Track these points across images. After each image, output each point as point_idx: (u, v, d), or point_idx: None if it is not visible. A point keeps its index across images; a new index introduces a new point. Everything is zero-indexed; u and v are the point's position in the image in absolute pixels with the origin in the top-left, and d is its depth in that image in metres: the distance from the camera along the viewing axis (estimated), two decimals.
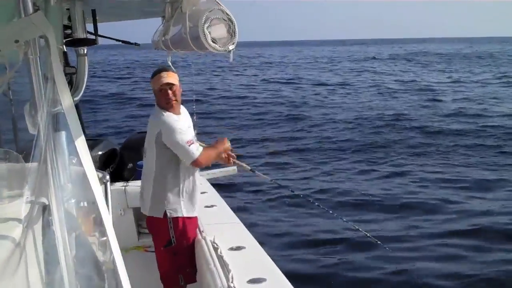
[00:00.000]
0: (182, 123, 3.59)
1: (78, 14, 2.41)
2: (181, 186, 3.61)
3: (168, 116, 3.57)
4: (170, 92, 3.58)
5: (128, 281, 1.64)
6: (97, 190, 1.73)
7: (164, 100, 3.60)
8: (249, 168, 4.34)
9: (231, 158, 3.94)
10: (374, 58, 66.52)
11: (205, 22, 2.04)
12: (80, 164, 1.83)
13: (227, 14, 2.07)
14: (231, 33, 2.09)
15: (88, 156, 1.72)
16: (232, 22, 2.08)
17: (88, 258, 2.00)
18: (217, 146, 3.81)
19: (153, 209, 3.61)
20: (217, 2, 2.10)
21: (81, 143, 1.70)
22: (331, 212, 5.55)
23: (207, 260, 3.11)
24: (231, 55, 2.15)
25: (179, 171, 3.61)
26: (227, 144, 3.88)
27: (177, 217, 3.58)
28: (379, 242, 5.41)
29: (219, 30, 2.08)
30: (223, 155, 3.89)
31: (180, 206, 3.59)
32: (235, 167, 6.08)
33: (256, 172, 4.48)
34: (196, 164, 3.57)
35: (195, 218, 3.74)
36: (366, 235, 4.75)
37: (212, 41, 2.07)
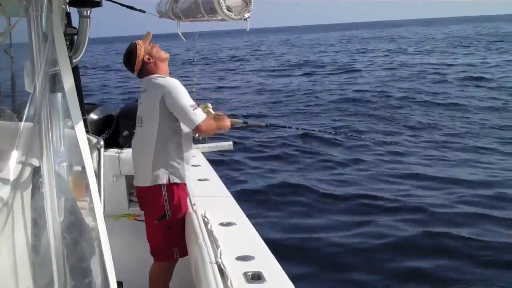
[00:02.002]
0: (183, 87, 3.57)
1: None
2: (182, 153, 3.58)
3: (171, 79, 3.55)
4: None
5: (109, 249, 1.62)
6: (87, 154, 1.70)
7: (167, 68, 3.67)
8: (242, 121, 4.43)
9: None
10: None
11: None
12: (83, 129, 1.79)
13: None
14: (247, 0, 2.03)
15: (81, 120, 1.68)
16: None
17: (77, 223, 1.97)
18: (218, 121, 3.80)
19: (154, 177, 3.53)
20: None
21: (74, 106, 1.66)
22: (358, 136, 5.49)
23: (197, 234, 3.09)
24: (248, 23, 2.10)
25: (180, 137, 3.57)
26: (227, 123, 3.87)
27: (173, 186, 3.54)
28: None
29: None
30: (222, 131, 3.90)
31: (181, 171, 3.58)
32: (230, 143, 6.09)
33: (249, 122, 4.55)
34: (198, 129, 3.52)
35: (186, 188, 3.74)
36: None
37: (227, 9, 2.01)
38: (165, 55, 3.70)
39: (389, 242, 6.69)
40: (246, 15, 2.05)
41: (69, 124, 2.08)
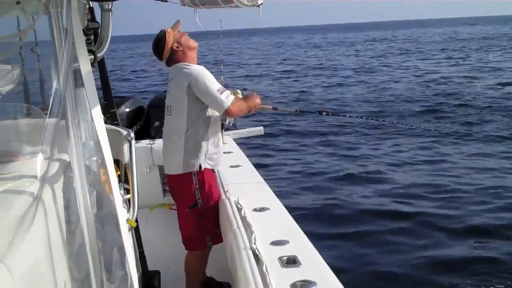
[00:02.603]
0: (210, 73, 3.57)
1: None
2: (211, 139, 3.59)
3: (196, 66, 3.57)
4: None
5: (131, 243, 1.63)
6: (106, 148, 1.71)
7: (195, 57, 3.69)
8: (271, 107, 4.42)
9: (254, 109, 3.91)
10: None
11: None
12: (104, 121, 1.79)
13: None
14: None
15: (100, 113, 1.69)
16: None
17: (109, 216, 1.99)
18: (247, 100, 3.78)
19: (186, 164, 3.54)
20: None
21: (94, 101, 1.67)
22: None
23: (230, 221, 3.10)
24: (260, 9, 2.08)
25: (209, 124, 3.58)
26: (258, 100, 3.86)
27: (204, 174, 3.55)
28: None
29: None
30: (253, 110, 3.88)
31: (212, 158, 3.60)
32: (261, 128, 6.07)
33: (279, 108, 4.59)
34: (228, 113, 3.52)
35: (216, 176, 3.76)
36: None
37: None
38: (194, 43, 3.69)
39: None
40: (260, 1, 2.03)
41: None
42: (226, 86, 3.68)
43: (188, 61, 3.62)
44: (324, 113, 5.05)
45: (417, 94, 18.45)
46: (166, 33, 3.61)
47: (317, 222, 6.87)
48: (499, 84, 20.05)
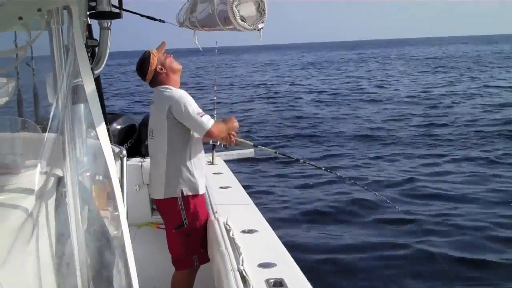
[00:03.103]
0: (190, 97, 3.58)
1: None
2: (194, 163, 3.59)
3: (178, 90, 3.58)
4: None
5: (133, 258, 1.63)
6: (111, 164, 1.72)
7: (178, 79, 3.70)
8: (252, 144, 4.42)
9: (233, 137, 3.90)
10: None
11: (234, 1, 2.00)
12: (97, 138, 1.81)
13: None
14: (260, 11, 2.05)
15: (105, 130, 1.70)
16: (261, 0, 2.04)
17: (100, 232, 2.00)
18: (226, 123, 3.80)
19: (168, 189, 3.56)
20: None
21: (98, 117, 1.69)
22: (342, 176, 5.53)
23: (219, 242, 3.10)
24: (261, 33, 2.12)
25: (191, 147, 3.58)
26: (236, 124, 3.87)
27: (189, 196, 3.56)
28: (396, 206, 5.42)
29: (248, 8, 2.04)
30: (228, 135, 3.86)
31: (195, 183, 3.58)
32: (252, 150, 6.10)
33: (259, 146, 4.58)
34: (209, 135, 3.54)
35: (203, 196, 3.75)
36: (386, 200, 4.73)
37: (241, 20, 2.03)
38: (177, 66, 3.71)
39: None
40: (260, 26, 2.07)
41: (91, 134, 2.12)
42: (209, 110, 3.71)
43: (171, 83, 3.63)
44: (302, 161, 5.13)
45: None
46: (151, 55, 3.62)
47: (305, 246, 6.86)
48: None
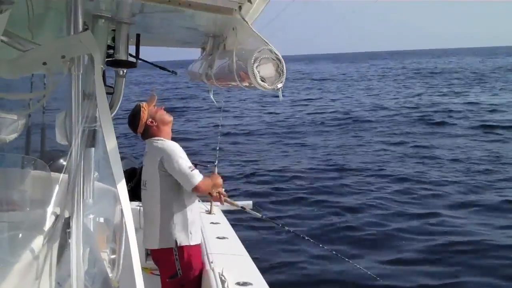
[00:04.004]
0: (182, 149, 3.64)
1: (123, 36, 2.47)
2: (187, 213, 3.61)
3: (169, 142, 3.64)
4: None
5: None
6: (126, 205, 1.77)
7: (169, 131, 3.77)
8: (239, 206, 4.51)
9: (223, 196, 3.97)
10: None
11: (254, 62, 2.06)
12: (102, 180, 1.85)
13: (276, 53, 2.11)
14: (280, 72, 2.12)
15: (123, 177, 1.76)
16: (280, 61, 2.11)
17: (99, 273, 2.02)
18: (212, 179, 3.86)
19: (163, 240, 3.58)
20: (265, 41, 2.14)
21: (116, 163, 1.74)
22: (321, 245, 5.48)
23: None
24: (280, 93, 2.19)
25: (184, 198, 3.61)
26: (219, 181, 3.94)
27: (183, 247, 3.56)
28: (378, 278, 5.37)
29: (267, 69, 2.10)
30: (215, 192, 3.93)
31: (189, 233, 3.59)
32: (250, 202, 6.11)
33: (247, 209, 4.61)
34: (197, 189, 3.57)
35: (199, 246, 3.76)
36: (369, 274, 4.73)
37: (261, 80, 2.10)
38: (168, 118, 3.77)
39: None
40: (279, 85, 2.13)
41: (95, 177, 2.17)
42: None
43: (162, 135, 3.69)
44: (291, 230, 5.16)
45: None
46: (141, 108, 3.69)
47: None
48: None
